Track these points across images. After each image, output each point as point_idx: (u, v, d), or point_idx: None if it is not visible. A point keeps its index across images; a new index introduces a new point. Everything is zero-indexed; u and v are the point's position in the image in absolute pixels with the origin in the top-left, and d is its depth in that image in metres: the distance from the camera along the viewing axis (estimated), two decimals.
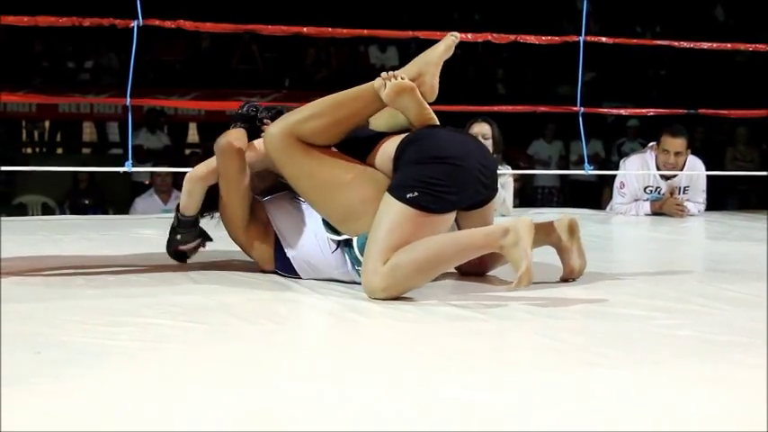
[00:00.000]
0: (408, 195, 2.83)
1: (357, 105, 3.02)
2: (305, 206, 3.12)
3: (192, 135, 12.89)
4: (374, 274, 2.80)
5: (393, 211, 2.84)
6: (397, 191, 2.86)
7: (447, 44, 3.08)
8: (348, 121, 3.02)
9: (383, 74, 2.99)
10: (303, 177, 3.01)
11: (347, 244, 3.00)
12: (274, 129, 3.01)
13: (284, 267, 3.15)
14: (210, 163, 3.14)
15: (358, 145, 3.07)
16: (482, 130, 5.29)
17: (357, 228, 2.94)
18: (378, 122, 3.14)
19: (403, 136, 3.02)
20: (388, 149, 3.01)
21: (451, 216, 2.95)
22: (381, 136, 3.08)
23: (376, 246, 2.82)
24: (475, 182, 2.94)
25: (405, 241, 2.80)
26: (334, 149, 3.05)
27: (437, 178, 2.85)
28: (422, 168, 2.87)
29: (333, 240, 3.03)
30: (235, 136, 3.10)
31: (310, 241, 3.08)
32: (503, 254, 2.78)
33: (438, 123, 3.08)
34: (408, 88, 2.97)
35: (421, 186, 2.83)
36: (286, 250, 3.12)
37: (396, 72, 3.00)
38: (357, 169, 3.00)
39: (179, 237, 3.24)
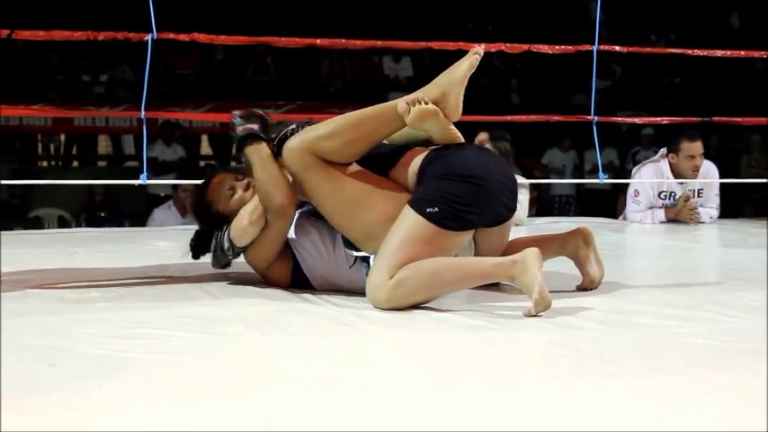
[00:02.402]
0: (428, 210, 2.82)
1: (377, 124, 2.98)
2: (323, 223, 3.09)
3: (205, 147, 12.90)
4: (379, 288, 2.80)
5: (410, 223, 2.84)
6: (417, 204, 2.85)
7: (471, 62, 2.94)
8: (367, 140, 2.98)
9: (407, 98, 2.93)
10: (323, 195, 2.98)
11: (364, 260, 2.99)
12: (293, 144, 2.98)
13: (300, 284, 3.14)
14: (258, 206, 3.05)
15: (381, 159, 3.04)
16: (480, 138, 5.29)
17: (376, 246, 2.91)
18: (395, 137, 3.07)
19: (428, 151, 3.00)
20: (413, 164, 2.98)
21: (468, 235, 2.94)
22: (405, 149, 3.05)
23: (386, 259, 2.81)
24: (496, 203, 2.93)
25: (416, 257, 2.79)
26: (355, 165, 3.01)
27: (459, 196, 2.83)
28: (445, 184, 2.85)
29: (351, 256, 3.02)
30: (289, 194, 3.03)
31: (328, 258, 3.07)
32: (514, 284, 2.79)
33: (463, 141, 3.05)
34: (432, 113, 2.92)
35: (442, 202, 2.82)
36: (303, 267, 3.11)
37: (419, 96, 2.92)
38: (378, 187, 2.98)
39: (230, 257, 3.17)
